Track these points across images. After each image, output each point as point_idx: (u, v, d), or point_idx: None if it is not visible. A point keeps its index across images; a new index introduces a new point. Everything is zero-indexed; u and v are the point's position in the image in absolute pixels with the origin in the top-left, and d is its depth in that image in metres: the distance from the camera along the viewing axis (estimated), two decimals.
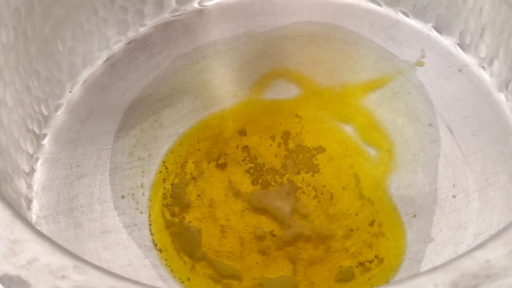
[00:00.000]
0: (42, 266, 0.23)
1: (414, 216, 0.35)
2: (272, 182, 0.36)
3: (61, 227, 0.35)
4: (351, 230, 0.34)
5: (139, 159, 0.37)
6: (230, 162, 0.37)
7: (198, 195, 0.36)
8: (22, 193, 0.35)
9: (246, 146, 0.37)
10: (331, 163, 0.37)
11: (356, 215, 0.35)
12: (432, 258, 0.33)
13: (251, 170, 0.37)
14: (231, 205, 0.36)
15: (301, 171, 0.36)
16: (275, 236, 0.34)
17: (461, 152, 0.37)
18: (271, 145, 0.37)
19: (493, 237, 0.23)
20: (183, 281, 0.33)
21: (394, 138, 0.37)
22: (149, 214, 0.35)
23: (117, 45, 0.41)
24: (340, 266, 0.33)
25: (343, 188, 0.36)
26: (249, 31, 0.42)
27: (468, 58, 0.40)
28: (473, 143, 0.37)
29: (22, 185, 0.35)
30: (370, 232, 0.34)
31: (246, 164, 0.37)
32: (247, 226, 0.35)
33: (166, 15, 0.42)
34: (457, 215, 0.34)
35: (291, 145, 0.37)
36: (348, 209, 0.35)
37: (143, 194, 0.36)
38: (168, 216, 0.35)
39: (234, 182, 0.36)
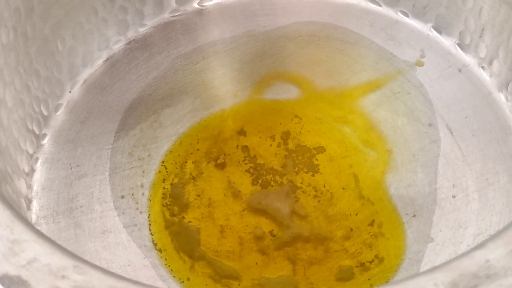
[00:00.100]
0: (42, 266, 0.23)
1: (414, 216, 0.35)
2: (271, 182, 0.36)
3: (61, 227, 0.35)
4: (351, 230, 0.34)
5: (139, 159, 0.37)
6: (229, 162, 0.37)
7: (198, 195, 0.36)
8: (22, 193, 0.35)
9: (246, 146, 0.37)
10: (331, 163, 0.37)
11: (356, 215, 0.35)
12: (432, 258, 0.33)
13: (251, 170, 0.37)
14: (231, 205, 0.35)
15: (301, 171, 0.36)
16: (274, 236, 0.34)
17: (461, 152, 0.37)
18: (270, 145, 0.37)
19: (492, 237, 0.23)
20: (183, 281, 0.33)
21: (394, 138, 0.37)
22: (149, 214, 0.35)
23: (117, 45, 0.41)
24: (339, 266, 0.33)
25: (343, 188, 0.36)
26: (249, 31, 0.42)
27: (467, 58, 0.40)
28: (473, 143, 0.37)
29: (22, 185, 0.35)
30: (370, 232, 0.34)
31: (246, 164, 0.37)
32: (246, 226, 0.35)
33: (166, 15, 0.42)
34: (457, 215, 0.34)
35: (291, 145, 0.37)
36: (348, 209, 0.35)
37: (143, 194, 0.36)
38: (167, 216, 0.35)
39: (233, 182, 0.36)
